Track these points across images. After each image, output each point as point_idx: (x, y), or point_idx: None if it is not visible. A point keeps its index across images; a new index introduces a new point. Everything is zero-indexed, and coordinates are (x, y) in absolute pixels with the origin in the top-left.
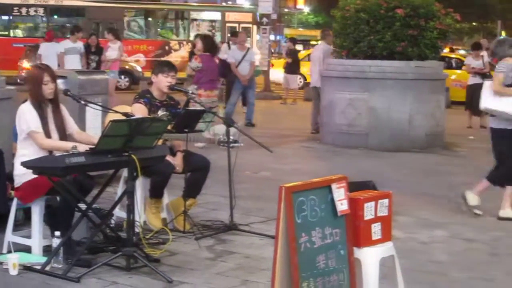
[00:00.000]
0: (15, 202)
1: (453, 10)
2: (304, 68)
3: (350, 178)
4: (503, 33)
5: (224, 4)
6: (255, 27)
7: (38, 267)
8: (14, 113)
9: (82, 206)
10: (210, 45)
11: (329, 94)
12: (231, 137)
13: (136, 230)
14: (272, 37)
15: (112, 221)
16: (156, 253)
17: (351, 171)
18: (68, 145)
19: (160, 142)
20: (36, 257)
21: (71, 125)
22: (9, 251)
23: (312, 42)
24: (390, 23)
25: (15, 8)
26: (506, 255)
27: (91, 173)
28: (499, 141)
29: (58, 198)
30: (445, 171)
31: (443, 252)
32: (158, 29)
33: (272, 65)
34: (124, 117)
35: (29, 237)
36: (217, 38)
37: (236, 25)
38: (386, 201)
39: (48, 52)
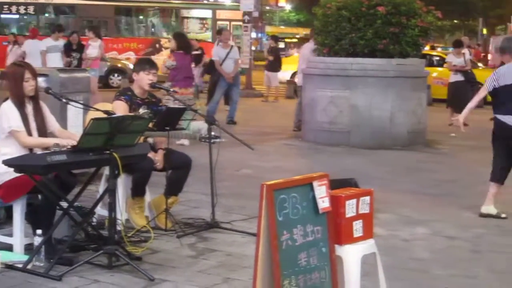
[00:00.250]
0: None
1: (435, 7)
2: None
3: (332, 176)
4: (485, 31)
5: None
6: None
7: (20, 266)
8: None
9: (64, 204)
10: (183, 43)
11: (310, 92)
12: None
13: (118, 228)
14: (253, 35)
15: (94, 219)
16: (138, 251)
17: (332, 168)
18: (50, 141)
19: (141, 140)
20: (18, 256)
21: (53, 123)
22: None
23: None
24: (372, 20)
25: (5, 6)
26: (487, 252)
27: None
28: None
29: (39, 197)
30: (427, 169)
31: (425, 249)
32: (149, 27)
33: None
34: (105, 115)
35: (10, 235)
36: (208, 36)
37: (227, 23)
38: (367, 198)
39: (32, 49)
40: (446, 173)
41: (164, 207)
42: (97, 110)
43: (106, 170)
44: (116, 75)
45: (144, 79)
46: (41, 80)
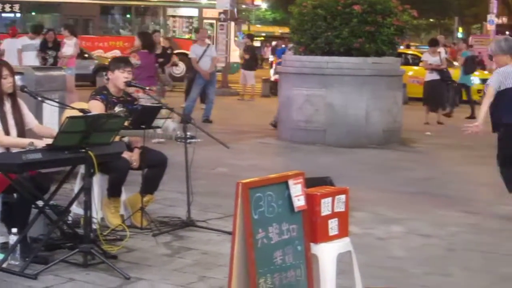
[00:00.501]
0: None
1: (411, 6)
2: None
3: (307, 174)
4: (460, 30)
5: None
6: (232, 23)
7: None
8: None
9: (39, 203)
10: (147, 42)
11: (286, 90)
12: (188, 133)
13: (93, 226)
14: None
15: (69, 218)
16: (113, 249)
17: (308, 167)
18: (24, 141)
19: (117, 138)
20: None
21: (31, 120)
22: None
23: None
24: (347, 19)
25: None
26: (462, 250)
27: (48, 170)
28: None
29: (15, 195)
30: (402, 167)
31: (400, 247)
32: (135, 26)
33: None
34: (80, 114)
35: None
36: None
37: (214, 21)
38: (343, 197)
39: (9, 47)
40: (421, 171)
41: (139, 206)
42: (73, 108)
43: (81, 169)
44: (104, 73)
45: (119, 78)
46: (16, 78)
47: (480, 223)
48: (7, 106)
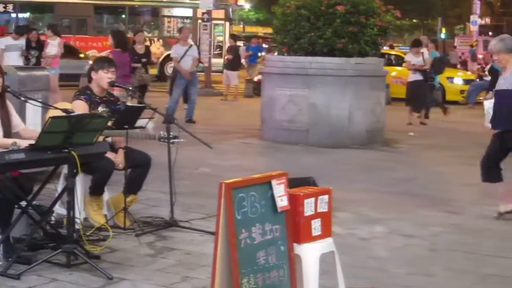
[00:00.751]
0: None
1: (394, 7)
2: None
3: (290, 174)
4: (443, 30)
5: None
6: (227, 23)
7: None
8: None
9: (22, 203)
10: (121, 41)
11: (269, 90)
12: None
13: (77, 227)
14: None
15: (52, 218)
16: (96, 249)
17: (291, 167)
18: (7, 142)
19: (100, 138)
20: None
21: (18, 122)
22: None
23: None
24: (331, 19)
25: None
26: (445, 250)
27: (31, 170)
28: None
29: None
30: (385, 167)
31: (383, 248)
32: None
33: None
34: (64, 114)
35: None
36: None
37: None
38: (326, 197)
39: None
40: (404, 171)
41: (123, 206)
42: (56, 108)
43: (64, 169)
44: None
45: (103, 78)
46: None
47: (462, 223)
48: None
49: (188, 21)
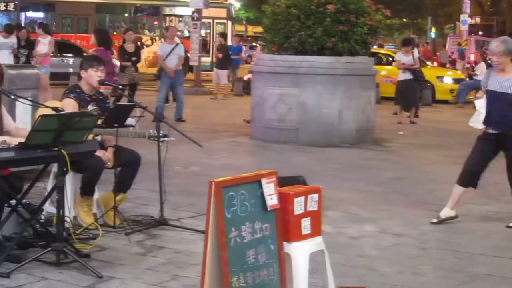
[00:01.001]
0: None
1: (384, 6)
2: None
3: (280, 173)
4: (433, 29)
5: None
6: (230, 22)
7: None
8: None
9: (12, 201)
10: (104, 39)
11: (259, 89)
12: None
13: (66, 225)
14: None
15: (42, 216)
16: (86, 248)
17: (281, 166)
18: None
19: (90, 137)
20: None
21: (8, 121)
22: None
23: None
24: (321, 18)
25: None
26: (434, 249)
27: (21, 168)
28: None
29: None
30: (375, 166)
31: (372, 246)
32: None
33: None
34: (54, 112)
35: None
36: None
37: (210, 20)
38: (315, 196)
39: None
40: (394, 170)
41: (112, 204)
42: (46, 107)
43: (54, 167)
44: None
45: (93, 76)
46: None
47: (452, 223)
48: None
49: (189, 19)
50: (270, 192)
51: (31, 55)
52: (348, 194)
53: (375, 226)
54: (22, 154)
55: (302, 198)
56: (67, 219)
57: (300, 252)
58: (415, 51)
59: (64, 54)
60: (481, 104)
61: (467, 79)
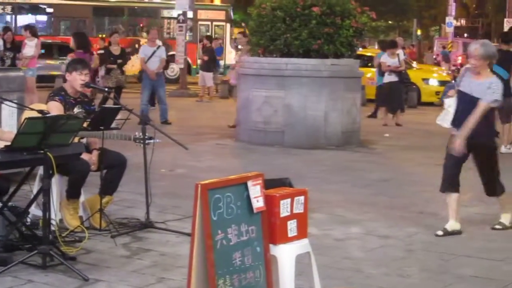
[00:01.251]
0: None
1: (370, 8)
2: None
3: (266, 176)
4: (419, 32)
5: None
6: (228, 25)
7: None
8: None
9: None
10: (82, 42)
11: (245, 92)
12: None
13: (52, 228)
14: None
15: (28, 219)
16: (72, 251)
17: (267, 168)
18: None
19: (76, 139)
20: None
21: None
22: None
23: None
24: (306, 21)
25: None
26: (420, 251)
27: (6, 171)
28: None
29: None
30: (361, 168)
31: (358, 248)
32: (128, 27)
33: None
34: (39, 115)
35: None
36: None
37: (209, 23)
38: (302, 198)
39: None
40: (380, 172)
41: (98, 207)
42: (32, 109)
43: (40, 170)
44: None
45: (76, 80)
46: None
47: (438, 225)
48: None
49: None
50: (256, 195)
51: (16, 58)
52: (334, 196)
53: (361, 228)
54: (8, 157)
55: (288, 200)
56: (53, 222)
57: (286, 254)
58: (401, 53)
59: (62, 57)
60: (450, 103)
61: (453, 81)
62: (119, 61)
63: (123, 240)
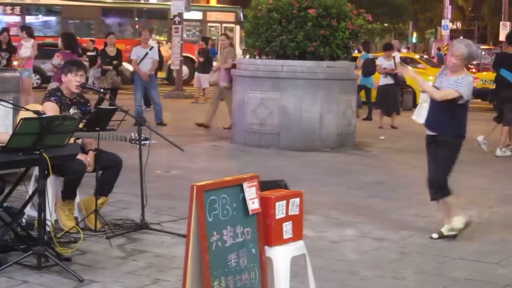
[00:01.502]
0: None
1: (365, 10)
2: None
3: (262, 177)
4: (414, 34)
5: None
6: (238, 27)
7: None
8: None
9: None
10: (69, 43)
11: (240, 93)
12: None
13: (47, 229)
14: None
15: (23, 220)
16: (67, 252)
17: (262, 170)
18: None
19: (72, 140)
20: None
21: None
22: None
23: None
24: (302, 23)
25: None
26: (415, 253)
27: (1, 171)
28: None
29: None
30: (356, 171)
31: (353, 250)
32: (137, 28)
33: None
34: (35, 115)
35: None
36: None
37: (218, 25)
38: (297, 200)
39: None
40: (375, 175)
41: (93, 208)
42: (27, 110)
43: (35, 171)
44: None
45: (72, 81)
46: None
47: (432, 227)
48: None
49: (197, 24)
50: (252, 196)
51: (12, 59)
52: (329, 198)
53: (355, 230)
54: (3, 158)
55: (284, 202)
56: (48, 222)
57: (281, 256)
58: (397, 55)
59: None
60: (425, 98)
61: None
62: (115, 62)
63: (118, 241)
